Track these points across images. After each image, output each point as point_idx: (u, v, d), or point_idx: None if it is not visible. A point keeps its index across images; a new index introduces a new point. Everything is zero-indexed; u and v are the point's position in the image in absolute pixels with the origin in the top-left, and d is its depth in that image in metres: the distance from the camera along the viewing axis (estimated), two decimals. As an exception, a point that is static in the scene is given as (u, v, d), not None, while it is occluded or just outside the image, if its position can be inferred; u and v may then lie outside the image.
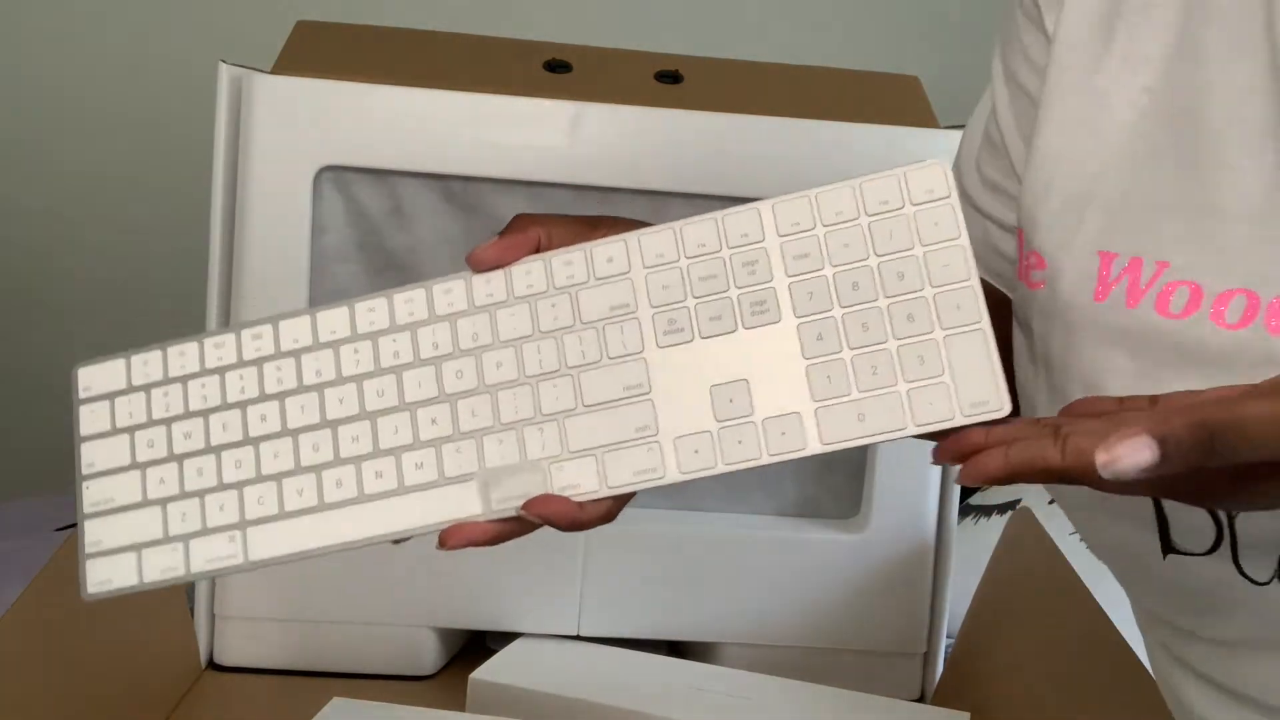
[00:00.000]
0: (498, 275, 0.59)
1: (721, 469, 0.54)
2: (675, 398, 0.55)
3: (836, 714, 0.93)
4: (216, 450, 0.59)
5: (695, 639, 1.03)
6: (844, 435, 0.53)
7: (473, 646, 1.05)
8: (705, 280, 0.56)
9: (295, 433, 0.59)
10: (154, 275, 1.79)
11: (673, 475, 0.55)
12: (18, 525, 1.33)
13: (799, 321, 0.54)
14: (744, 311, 0.55)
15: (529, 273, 0.59)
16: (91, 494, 0.60)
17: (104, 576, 0.59)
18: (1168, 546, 0.58)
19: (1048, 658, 0.91)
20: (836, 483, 1.03)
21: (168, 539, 0.59)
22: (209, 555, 0.59)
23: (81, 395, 0.62)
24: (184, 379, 0.61)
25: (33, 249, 1.82)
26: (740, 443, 0.54)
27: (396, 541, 0.58)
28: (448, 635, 1.02)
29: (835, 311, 0.54)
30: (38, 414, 1.86)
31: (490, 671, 0.92)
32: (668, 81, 1.01)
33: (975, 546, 1.08)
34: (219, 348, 0.61)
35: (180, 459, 0.60)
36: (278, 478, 0.59)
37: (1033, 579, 0.96)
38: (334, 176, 0.96)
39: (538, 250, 0.59)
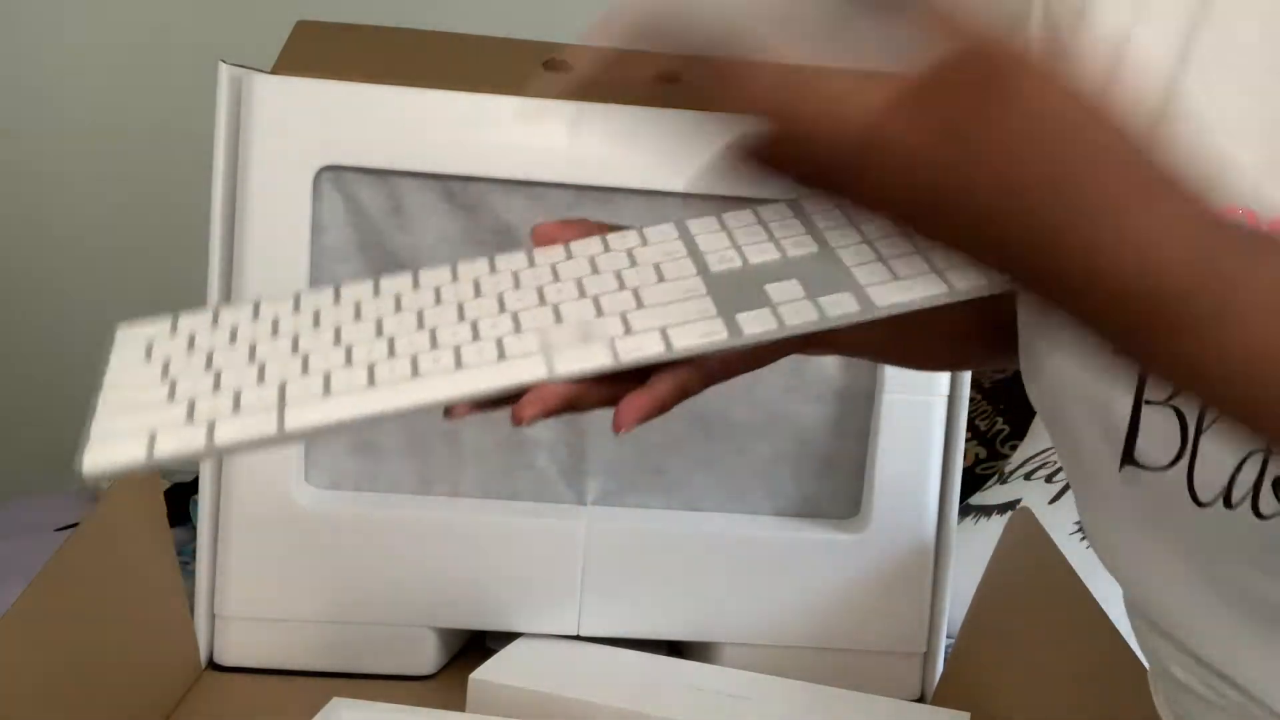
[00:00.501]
0: (557, 247, 0.61)
1: (786, 331, 0.55)
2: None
3: (836, 714, 0.93)
4: (260, 365, 0.56)
5: (695, 639, 1.03)
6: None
7: (473, 646, 1.05)
8: (748, 233, 0.60)
9: (349, 345, 0.56)
10: (154, 275, 1.79)
11: (735, 337, 0.55)
12: (18, 525, 1.33)
13: (836, 246, 0.58)
14: (787, 246, 0.59)
15: (588, 244, 0.61)
16: (108, 399, 0.57)
17: (105, 452, 0.54)
18: (1128, 457, 0.58)
19: (1048, 658, 0.91)
20: (836, 483, 1.03)
21: (191, 421, 0.54)
22: (238, 427, 0.53)
23: (116, 342, 0.60)
24: (234, 325, 0.59)
25: (32, 249, 1.82)
26: (798, 311, 0.55)
27: (447, 413, 0.55)
28: (448, 635, 1.02)
29: (866, 239, 0.57)
30: (38, 414, 1.86)
31: (490, 671, 0.92)
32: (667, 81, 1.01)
33: (975, 546, 1.08)
34: (275, 304, 0.60)
35: (218, 371, 0.56)
36: (326, 372, 0.55)
37: (1033, 579, 0.96)
38: (334, 176, 0.96)
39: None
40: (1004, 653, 0.95)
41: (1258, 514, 0.55)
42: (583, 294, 0.58)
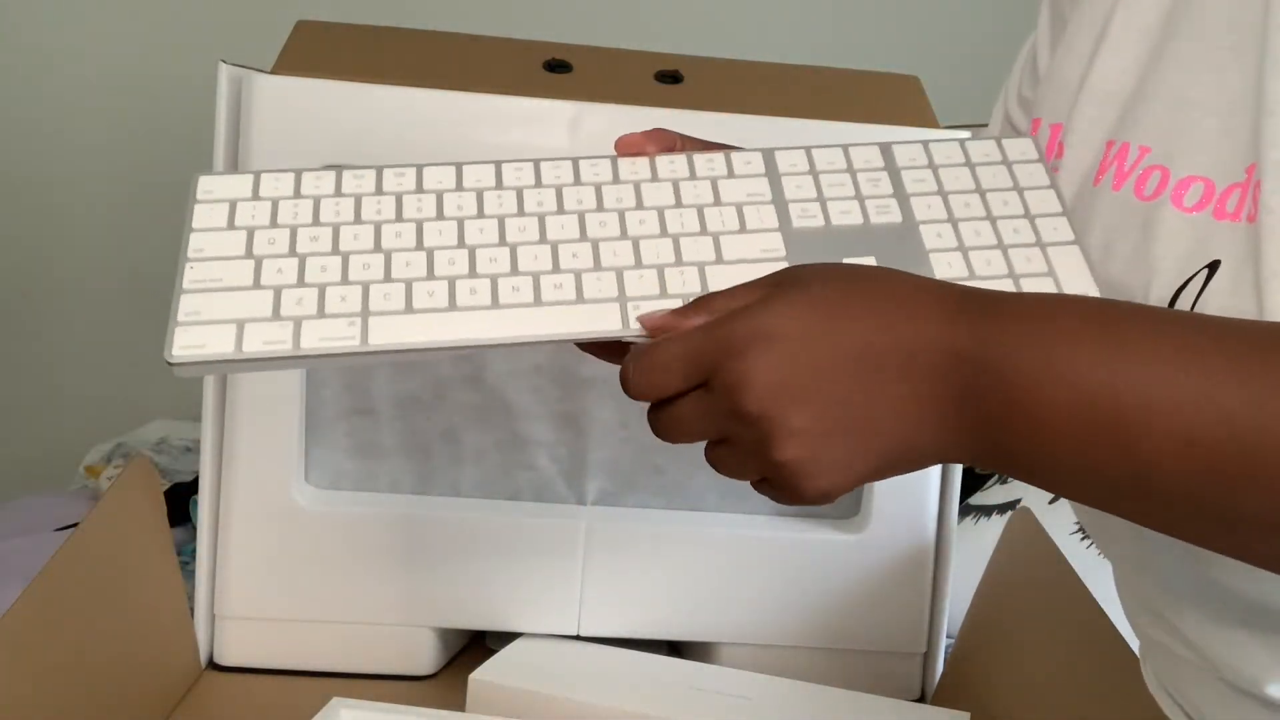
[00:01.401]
0: (643, 161, 0.61)
1: None
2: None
3: (836, 714, 0.93)
4: (344, 255, 0.55)
5: (695, 639, 1.03)
6: None
7: (473, 646, 1.05)
8: (835, 186, 0.60)
9: (431, 250, 0.56)
10: (154, 275, 1.79)
11: None
12: (18, 525, 1.33)
13: (919, 221, 0.58)
14: (870, 211, 0.59)
15: (673, 162, 0.61)
16: (195, 273, 0.55)
17: (195, 341, 0.53)
18: None
19: (1048, 658, 0.91)
20: (836, 483, 1.03)
21: (277, 317, 0.53)
22: (322, 334, 0.53)
23: (199, 197, 0.58)
24: (317, 197, 0.58)
25: (33, 249, 1.82)
26: None
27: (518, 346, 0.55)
28: (448, 635, 1.02)
29: (951, 219, 0.59)
30: (38, 414, 1.86)
31: (490, 671, 0.92)
32: (668, 81, 1.01)
33: (975, 546, 1.08)
34: (358, 178, 0.59)
35: (303, 257, 0.55)
36: (408, 281, 0.55)
37: (1033, 579, 0.96)
38: (334, 176, 0.96)
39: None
40: (1004, 653, 0.95)
41: None
42: (664, 231, 0.58)
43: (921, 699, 1.03)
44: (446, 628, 1.02)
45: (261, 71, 0.95)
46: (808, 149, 0.61)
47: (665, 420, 0.54)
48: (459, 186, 0.60)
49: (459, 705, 0.90)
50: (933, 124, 1.01)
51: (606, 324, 0.54)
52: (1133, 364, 0.45)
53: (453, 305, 0.54)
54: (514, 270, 0.56)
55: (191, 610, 0.99)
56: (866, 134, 0.99)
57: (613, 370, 1.00)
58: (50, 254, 1.83)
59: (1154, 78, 0.62)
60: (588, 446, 1.02)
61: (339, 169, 0.59)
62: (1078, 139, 0.65)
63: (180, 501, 1.24)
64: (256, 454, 0.97)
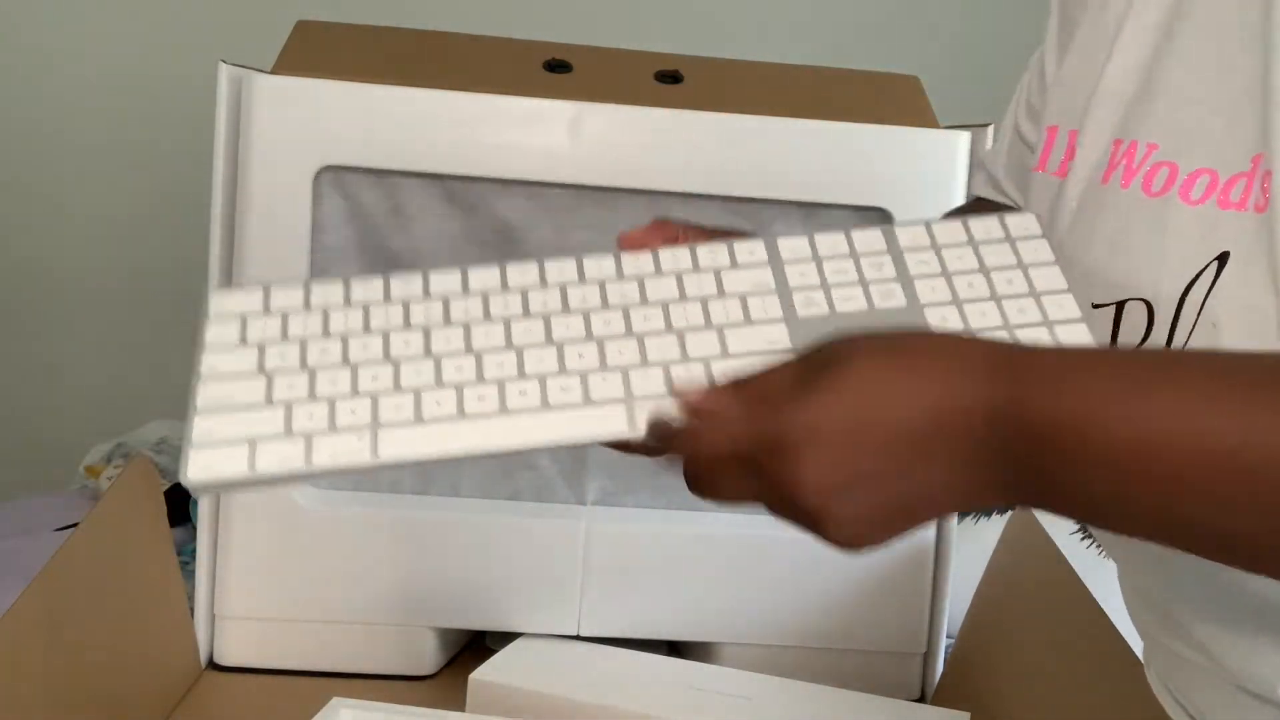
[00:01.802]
0: (645, 255, 0.61)
1: None
2: None
3: (836, 714, 0.93)
4: (353, 366, 0.57)
5: (695, 639, 1.03)
6: None
7: (473, 646, 1.05)
8: (838, 272, 0.61)
9: (439, 357, 0.57)
10: (154, 275, 1.79)
11: None
12: (18, 525, 1.33)
13: (924, 304, 0.58)
14: (874, 295, 0.59)
15: (675, 255, 0.61)
16: (208, 392, 0.56)
17: (211, 463, 0.54)
18: None
19: (1048, 658, 0.91)
20: (836, 483, 1.03)
21: (289, 434, 0.54)
22: (334, 450, 0.54)
23: (211, 314, 0.60)
24: (326, 308, 0.59)
25: (33, 249, 1.82)
26: None
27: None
28: (448, 635, 1.02)
29: (956, 301, 0.58)
30: (38, 414, 1.86)
31: (490, 671, 0.92)
32: (668, 81, 1.01)
33: (975, 546, 1.08)
34: (365, 285, 0.60)
35: (313, 370, 0.57)
36: (417, 390, 0.56)
37: (1033, 579, 0.96)
38: (334, 176, 0.96)
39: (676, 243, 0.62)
40: (1004, 653, 0.95)
41: None
42: (669, 326, 0.58)
43: (921, 699, 1.03)
44: (446, 628, 1.02)
45: (261, 71, 0.95)
46: (810, 236, 0.62)
47: (707, 489, 0.55)
48: (465, 290, 0.61)
49: (459, 705, 0.90)
50: (932, 124, 1.01)
51: (614, 427, 0.56)
52: (1168, 410, 0.47)
53: (461, 414, 0.55)
54: (521, 374, 0.57)
55: (191, 610, 0.99)
56: (867, 134, 0.99)
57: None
58: (50, 254, 1.83)
59: (1160, 76, 0.62)
60: (588, 446, 1.01)
61: (347, 283, 0.61)
62: (1088, 139, 0.65)
63: (180, 501, 1.24)
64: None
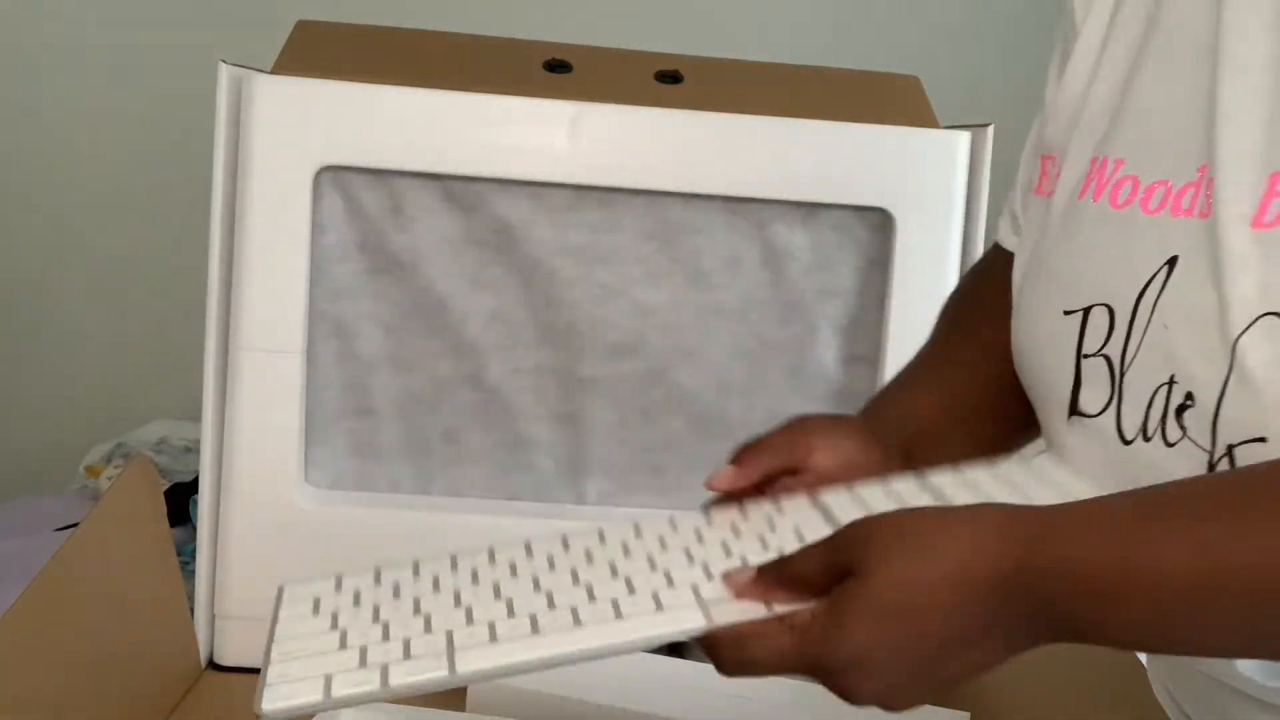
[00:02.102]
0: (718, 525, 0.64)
1: None
2: None
3: (836, 714, 0.93)
4: (426, 615, 0.59)
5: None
6: None
7: (473, 646, 1.05)
8: None
9: (509, 599, 0.59)
10: (154, 275, 1.79)
11: None
12: (18, 525, 1.33)
13: None
14: None
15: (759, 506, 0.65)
16: (282, 648, 0.59)
17: (285, 695, 0.55)
18: (1073, 408, 0.63)
19: (1047, 658, 0.91)
20: (836, 483, 1.03)
21: (363, 666, 0.56)
22: (410, 670, 0.56)
23: (285, 602, 0.64)
24: (396, 581, 0.63)
25: (33, 249, 1.83)
26: None
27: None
28: (448, 635, 1.02)
29: None
30: (38, 414, 1.86)
31: (490, 671, 0.91)
32: (668, 81, 1.01)
33: (975, 546, 1.08)
34: (435, 563, 0.63)
35: (385, 623, 0.59)
36: (490, 621, 0.58)
37: (1033, 579, 0.95)
38: (334, 176, 0.96)
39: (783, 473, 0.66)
40: (1004, 653, 0.95)
41: (1166, 442, 0.58)
42: (729, 554, 0.61)
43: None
44: (446, 628, 1.01)
45: (261, 71, 0.95)
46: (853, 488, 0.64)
47: (741, 671, 0.58)
48: (529, 555, 0.64)
49: (459, 705, 0.90)
50: (932, 124, 1.01)
51: (691, 622, 0.56)
52: (1177, 545, 0.49)
53: (536, 631, 0.56)
54: (591, 599, 0.58)
55: (191, 610, 0.99)
56: (867, 134, 0.99)
57: (612, 371, 1.01)
58: (50, 254, 1.83)
59: (1130, 94, 0.65)
60: (588, 446, 1.02)
61: (415, 562, 0.64)
62: (1071, 158, 0.67)
63: (180, 501, 1.24)
64: (256, 454, 0.97)
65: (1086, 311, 0.62)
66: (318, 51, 0.99)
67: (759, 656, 0.56)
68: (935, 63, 1.31)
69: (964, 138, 1.00)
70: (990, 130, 1.00)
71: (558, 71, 1.00)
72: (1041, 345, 0.65)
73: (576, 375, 1.01)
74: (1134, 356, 0.60)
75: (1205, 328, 0.56)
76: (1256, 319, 0.53)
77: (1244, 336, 0.54)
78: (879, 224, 1.00)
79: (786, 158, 0.99)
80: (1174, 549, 0.49)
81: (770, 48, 1.34)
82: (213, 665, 1.00)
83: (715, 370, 1.02)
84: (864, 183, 0.99)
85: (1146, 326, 0.59)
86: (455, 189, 0.98)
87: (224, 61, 0.95)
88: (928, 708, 0.97)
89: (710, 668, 0.95)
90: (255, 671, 0.96)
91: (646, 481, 1.02)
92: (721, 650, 0.56)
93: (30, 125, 1.80)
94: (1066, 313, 0.63)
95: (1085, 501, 0.53)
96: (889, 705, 0.55)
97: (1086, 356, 0.62)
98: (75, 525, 0.91)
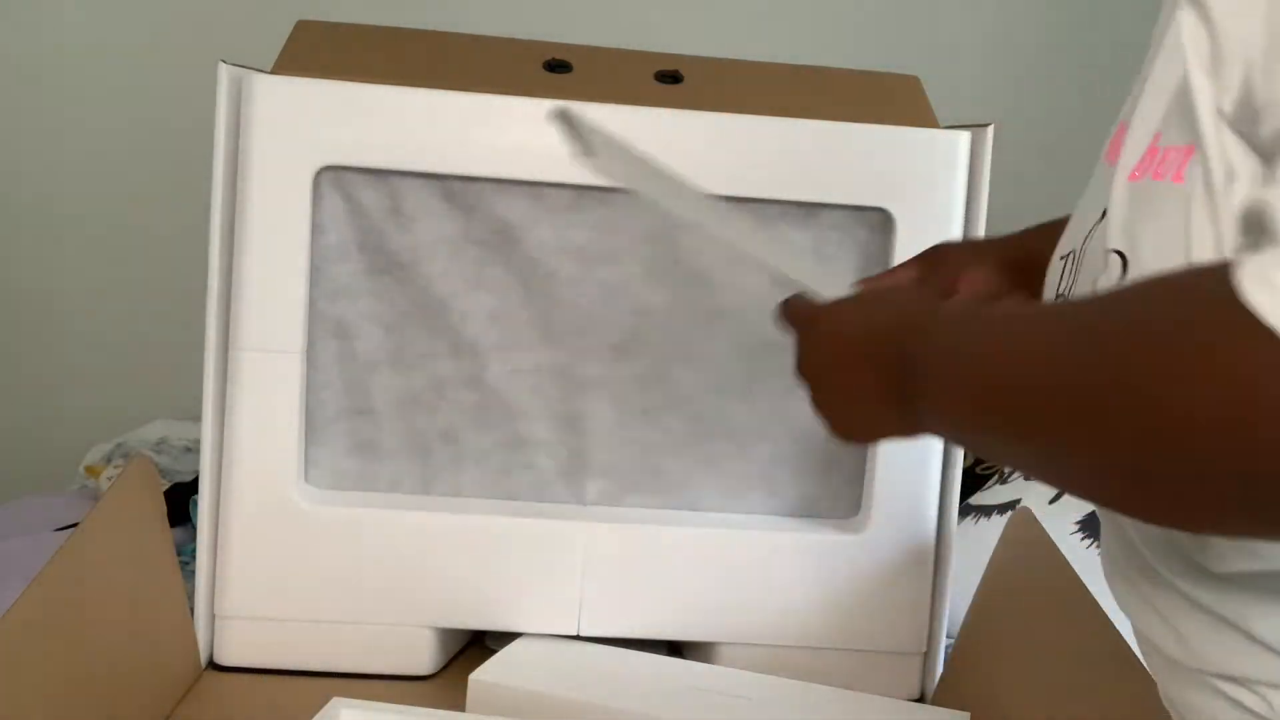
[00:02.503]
0: None
1: None
2: None
3: (836, 714, 0.93)
4: None
5: (695, 639, 1.03)
6: None
7: (473, 646, 1.05)
8: None
9: None
10: (154, 275, 1.79)
11: None
12: (18, 525, 1.33)
13: None
14: None
15: None
16: None
17: None
18: None
19: (1048, 658, 0.91)
20: (836, 483, 1.04)
21: None
22: None
23: None
24: None
25: (33, 249, 1.82)
26: None
27: None
28: (448, 635, 1.02)
29: None
30: (38, 415, 1.86)
31: (490, 671, 0.92)
32: (668, 81, 1.01)
33: (975, 546, 1.08)
34: None
35: None
36: None
37: (1033, 579, 0.96)
38: (334, 176, 0.96)
39: None
40: (1004, 653, 0.95)
41: None
42: None
43: (921, 699, 1.03)
44: (446, 628, 1.02)
45: (261, 71, 0.95)
46: None
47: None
48: None
49: (459, 705, 0.90)
50: (932, 124, 1.01)
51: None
52: (996, 345, 0.58)
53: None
54: None
55: (191, 610, 0.99)
56: (867, 134, 0.99)
57: (612, 371, 1.01)
58: (50, 254, 1.83)
59: (1151, 62, 0.67)
60: (588, 446, 1.02)
61: None
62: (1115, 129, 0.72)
63: (180, 501, 1.24)
64: (256, 454, 0.97)
65: (1064, 258, 0.68)
66: (317, 51, 0.99)
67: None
68: (935, 63, 1.31)
69: (964, 138, 1.00)
70: (990, 130, 1.00)
71: (558, 71, 1.00)
72: (1047, 287, 0.71)
73: (576, 375, 1.01)
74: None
75: (1095, 272, 0.62)
76: (1108, 256, 0.60)
77: (1101, 278, 0.60)
78: (879, 224, 1.00)
79: (786, 158, 0.99)
80: (978, 336, 0.59)
81: (770, 48, 1.34)
82: (213, 665, 1.00)
83: (715, 370, 1.02)
84: (864, 183, 0.99)
85: (1076, 272, 0.66)
86: (455, 189, 0.98)
87: (224, 61, 0.95)
88: (928, 707, 0.97)
89: (709, 668, 0.95)
90: (255, 672, 0.96)
91: (646, 481, 1.02)
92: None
93: (30, 125, 1.80)
94: (1060, 258, 0.69)
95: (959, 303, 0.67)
96: (832, 420, 0.69)
97: (1059, 296, 0.69)
98: (75, 525, 0.91)
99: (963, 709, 0.93)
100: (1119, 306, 0.53)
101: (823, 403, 0.70)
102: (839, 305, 0.72)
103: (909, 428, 0.64)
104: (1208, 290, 0.49)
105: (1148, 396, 0.48)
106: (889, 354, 0.64)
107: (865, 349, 0.67)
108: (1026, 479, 1.25)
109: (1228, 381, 0.46)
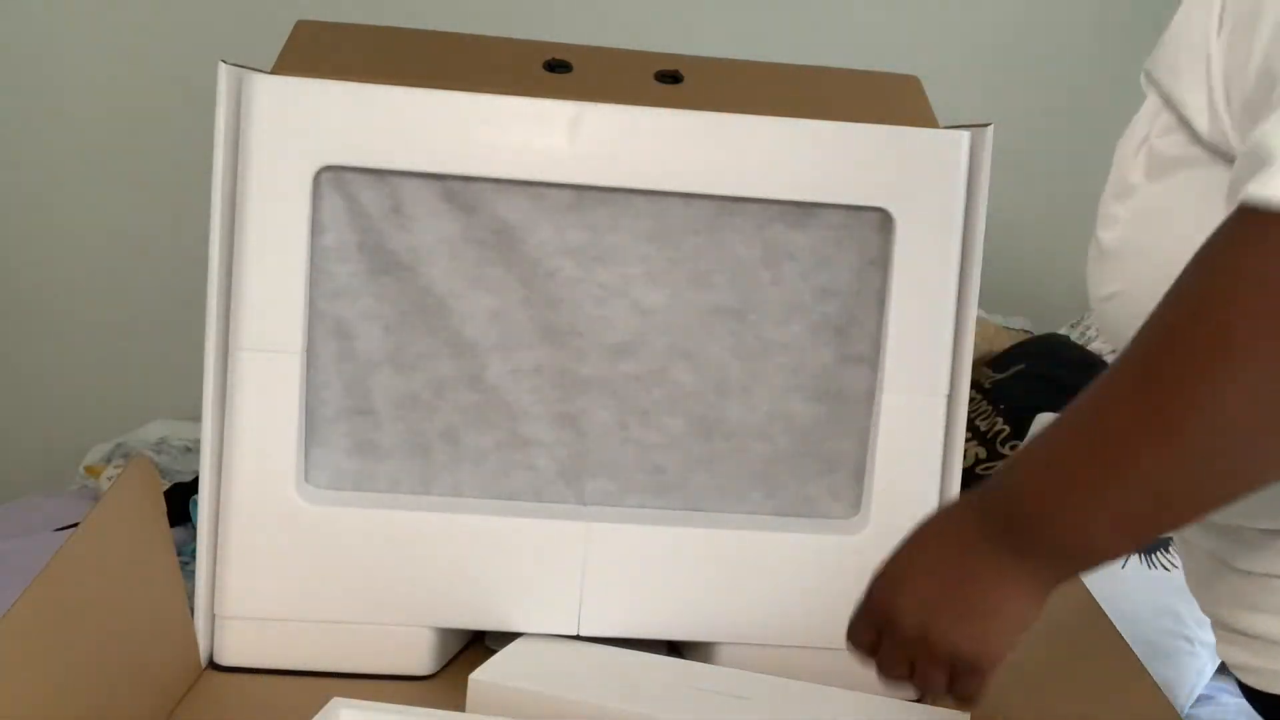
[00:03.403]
0: None
1: None
2: None
3: (836, 714, 0.93)
4: None
5: (695, 639, 1.03)
6: None
7: (473, 646, 1.05)
8: None
9: None
10: (154, 275, 1.79)
11: None
12: (18, 525, 1.33)
13: None
14: None
15: None
16: None
17: None
18: None
19: (1048, 657, 0.91)
20: (836, 483, 1.03)
21: None
22: None
23: None
24: None
25: (33, 249, 1.83)
26: None
27: None
28: (448, 635, 1.02)
29: None
30: (38, 415, 1.86)
31: (490, 671, 0.92)
32: (668, 81, 1.01)
33: (975, 546, 1.08)
34: None
35: None
36: None
37: (1033, 579, 0.95)
38: (334, 176, 0.97)
39: None
40: (1004, 653, 0.95)
41: None
42: None
43: (921, 699, 1.03)
44: (446, 628, 1.02)
45: (261, 71, 0.95)
46: None
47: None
48: None
49: (459, 705, 0.90)
50: (932, 124, 1.01)
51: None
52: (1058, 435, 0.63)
53: None
54: None
55: (191, 610, 0.99)
56: (867, 134, 0.99)
57: (613, 371, 1.01)
58: (50, 254, 1.83)
59: None
60: (588, 446, 1.02)
61: None
62: None
63: (180, 501, 1.24)
64: (256, 454, 0.97)
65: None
66: (317, 51, 0.99)
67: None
68: (935, 63, 1.31)
69: (964, 138, 1.00)
70: (990, 130, 1.00)
71: (558, 71, 1.00)
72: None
73: (576, 375, 1.01)
74: None
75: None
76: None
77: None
78: (879, 224, 1.00)
79: (786, 158, 0.99)
80: (1056, 438, 0.63)
81: (770, 48, 1.34)
82: (213, 665, 1.00)
83: (715, 370, 1.02)
84: (864, 183, 0.99)
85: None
86: (455, 189, 0.98)
87: (224, 61, 0.95)
88: (927, 707, 0.97)
89: (709, 668, 0.95)
90: (255, 672, 0.96)
91: (646, 481, 1.02)
92: None
93: (30, 125, 1.80)
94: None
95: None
96: (931, 621, 0.69)
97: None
98: (75, 525, 0.91)
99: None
100: (1159, 307, 0.57)
101: (939, 643, 0.70)
102: (885, 561, 0.74)
103: (1039, 584, 0.66)
104: (1226, 227, 0.54)
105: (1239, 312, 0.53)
106: (968, 537, 0.67)
107: (938, 555, 0.70)
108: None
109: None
